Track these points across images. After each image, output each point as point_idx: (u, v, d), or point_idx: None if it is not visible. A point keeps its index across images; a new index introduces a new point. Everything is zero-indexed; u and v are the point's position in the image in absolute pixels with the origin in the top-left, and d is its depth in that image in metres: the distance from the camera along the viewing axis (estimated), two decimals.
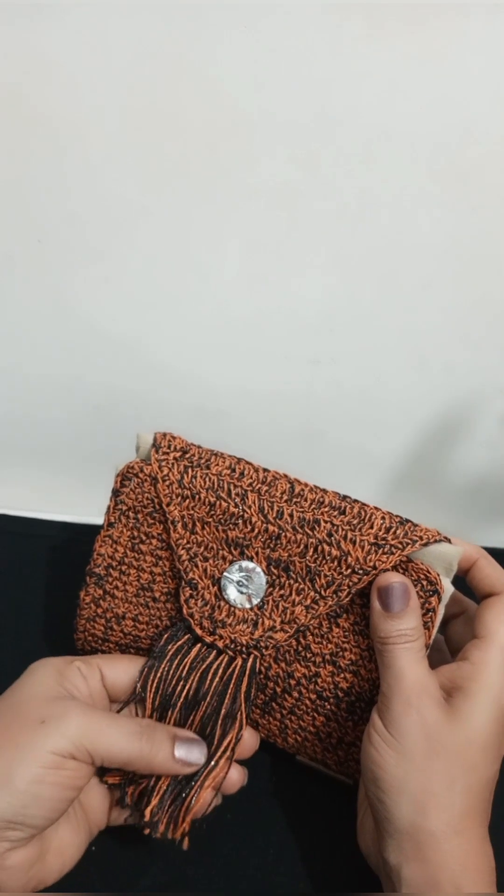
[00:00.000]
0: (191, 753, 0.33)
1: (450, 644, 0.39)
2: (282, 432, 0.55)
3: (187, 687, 0.35)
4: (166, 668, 0.36)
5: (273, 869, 0.37)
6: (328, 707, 0.36)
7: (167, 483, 0.37)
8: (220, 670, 0.35)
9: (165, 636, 0.37)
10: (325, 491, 0.36)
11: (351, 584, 0.34)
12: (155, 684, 0.35)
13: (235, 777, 0.35)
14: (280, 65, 0.39)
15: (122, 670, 0.36)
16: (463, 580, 0.37)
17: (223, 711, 0.35)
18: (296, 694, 0.36)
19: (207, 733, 0.34)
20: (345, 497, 0.36)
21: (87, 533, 0.54)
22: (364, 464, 0.57)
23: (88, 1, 0.37)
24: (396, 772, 0.31)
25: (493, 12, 0.37)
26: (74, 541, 0.52)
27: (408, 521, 0.35)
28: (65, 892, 0.33)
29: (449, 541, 0.35)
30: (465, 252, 0.45)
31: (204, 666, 0.36)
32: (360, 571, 0.34)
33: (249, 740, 0.36)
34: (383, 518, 0.35)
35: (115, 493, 0.39)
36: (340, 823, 0.37)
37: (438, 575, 0.34)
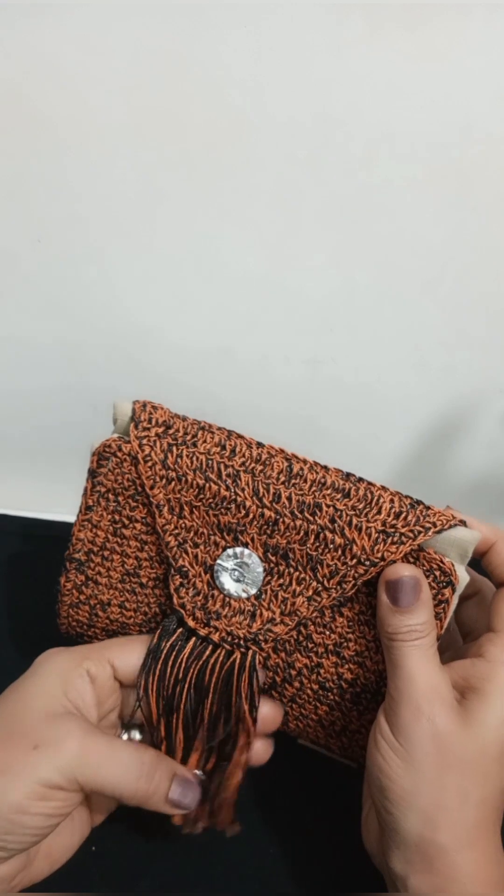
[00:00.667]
0: (185, 797, 0.31)
1: (461, 627, 0.37)
2: (282, 432, 0.55)
3: (186, 687, 0.33)
4: (163, 669, 0.33)
5: (273, 869, 0.37)
6: (331, 697, 0.34)
7: (149, 464, 0.34)
8: (218, 667, 0.33)
9: (158, 632, 0.34)
10: (327, 469, 0.33)
11: (357, 575, 0.31)
12: (155, 687, 0.33)
13: (262, 751, 0.34)
14: (280, 65, 0.39)
15: (136, 656, 0.34)
16: (478, 560, 0.35)
17: (232, 711, 0.33)
18: (297, 684, 0.34)
19: (218, 733, 0.33)
20: (349, 476, 0.33)
21: None
22: (364, 463, 0.57)
23: (89, 1, 0.37)
24: (405, 783, 0.29)
25: (493, 12, 0.37)
26: None
27: (419, 502, 0.32)
28: (65, 892, 0.33)
29: (465, 523, 0.32)
30: (465, 252, 0.45)
31: (200, 663, 0.33)
32: (367, 562, 0.31)
33: (270, 713, 0.34)
34: (392, 501, 0.31)
35: (92, 473, 0.35)
36: (342, 823, 0.37)
37: (453, 564, 0.31)
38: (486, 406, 0.52)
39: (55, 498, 0.59)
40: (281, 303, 0.48)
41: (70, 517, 0.56)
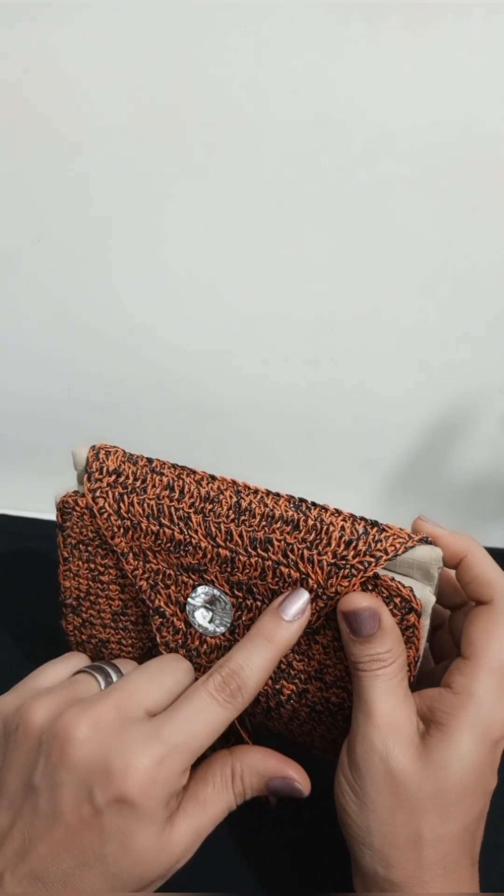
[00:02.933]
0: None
1: (434, 654, 0.36)
2: (282, 432, 0.55)
3: None
4: None
5: (273, 869, 0.37)
6: (325, 718, 0.34)
7: (105, 515, 0.34)
8: None
9: None
10: (277, 499, 0.32)
11: (317, 608, 0.31)
12: None
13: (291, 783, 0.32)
14: (280, 65, 0.39)
15: None
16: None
17: (227, 738, 0.33)
18: (289, 707, 0.34)
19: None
20: (299, 504, 0.32)
21: None
22: (364, 463, 0.57)
23: (89, 1, 0.37)
24: (359, 821, 0.29)
25: (493, 12, 0.37)
26: None
27: (374, 525, 0.30)
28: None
29: (426, 541, 0.30)
30: (465, 252, 0.45)
31: None
32: (325, 597, 0.30)
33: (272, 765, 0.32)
34: (342, 529, 0.30)
35: (60, 528, 0.36)
36: None
37: (411, 589, 0.30)
38: (486, 406, 0.52)
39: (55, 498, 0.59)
40: (281, 303, 0.48)
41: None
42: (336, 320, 0.49)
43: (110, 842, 0.26)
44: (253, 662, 0.30)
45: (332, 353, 0.50)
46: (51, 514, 0.56)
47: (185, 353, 0.51)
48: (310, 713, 0.34)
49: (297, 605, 0.31)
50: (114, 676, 0.32)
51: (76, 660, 0.34)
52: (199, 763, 0.30)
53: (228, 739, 0.35)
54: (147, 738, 0.27)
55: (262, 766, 0.31)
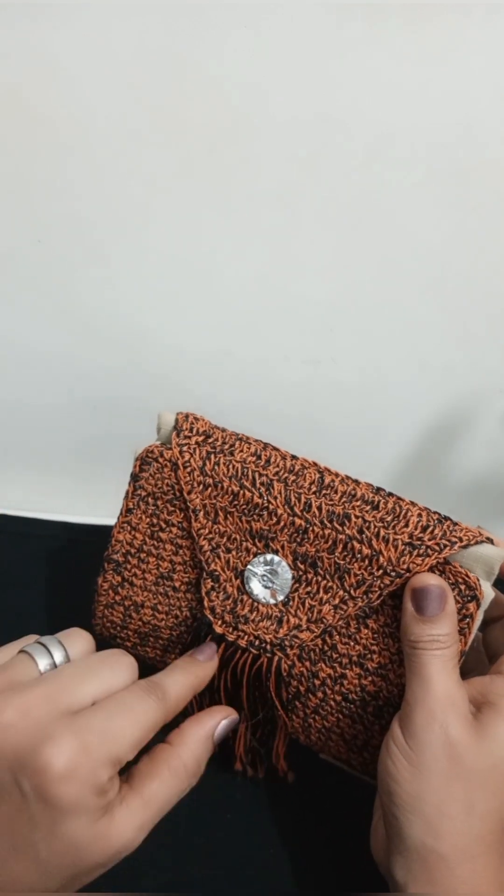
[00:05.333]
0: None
1: (488, 650, 0.37)
2: (282, 432, 0.55)
3: (222, 692, 0.35)
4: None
5: (273, 869, 0.37)
6: (354, 709, 0.35)
7: (188, 470, 0.35)
8: (247, 669, 0.34)
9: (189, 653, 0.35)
10: (357, 482, 0.34)
11: (383, 585, 0.32)
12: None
13: None
14: (281, 65, 0.39)
15: None
16: None
17: (266, 704, 0.34)
18: (320, 694, 0.35)
19: (257, 715, 0.35)
20: (379, 490, 0.34)
21: (87, 533, 0.54)
22: (364, 464, 0.57)
23: (90, 1, 0.37)
24: (412, 788, 0.29)
25: (493, 12, 0.37)
26: (74, 541, 0.52)
27: (447, 518, 0.32)
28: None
29: (492, 541, 0.32)
30: (466, 252, 0.45)
31: (229, 670, 0.35)
32: (393, 573, 0.32)
33: None
34: (420, 515, 0.32)
35: (134, 477, 0.37)
36: (343, 824, 0.37)
37: (478, 579, 0.32)
38: (486, 406, 0.52)
39: (55, 498, 0.59)
40: (281, 303, 0.48)
41: (69, 517, 0.56)
42: (336, 320, 0.49)
43: (38, 829, 0.26)
44: (176, 679, 0.31)
45: (332, 353, 0.50)
46: (51, 515, 0.56)
47: (186, 354, 0.51)
48: (340, 702, 0.35)
49: (206, 652, 0.34)
50: (57, 655, 0.31)
51: (27, 640, 0.34)
52: (142, 756, 0.30)
53: (256, 715, 0.36)
54: (70, 728, 0.27)
55: (201, 732, 0.32)
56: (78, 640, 0.32)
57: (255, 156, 0.42)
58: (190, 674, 0.32)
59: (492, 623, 0.37)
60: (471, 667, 0.34)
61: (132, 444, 0.40)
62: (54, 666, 0.31)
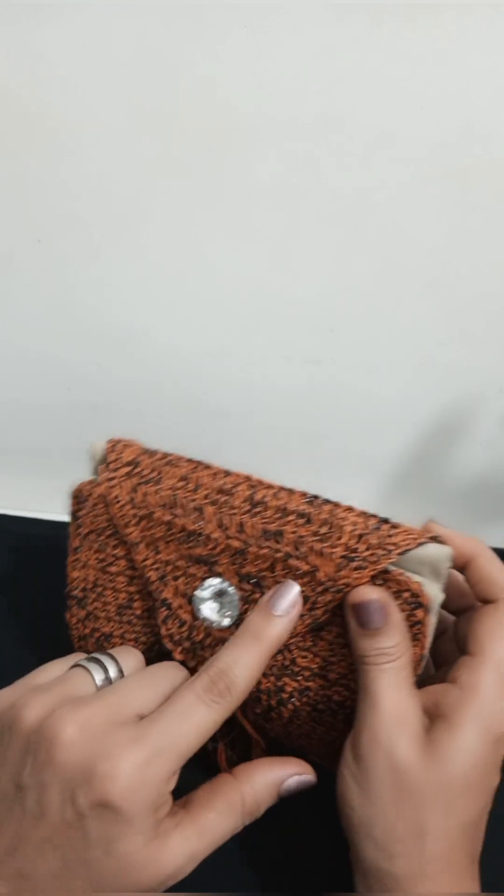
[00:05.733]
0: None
1: (436, 658, 0.36)
2: (282, 432, 0.55)
3: None
4: None
5: (273, 870, 0.37)
6: (325, 718, 0.34)
7: (119, 504, 0.35)
8: None
9: None
10: (291, 494, 0.33)
11: (325, 601, 0.31)
12: None
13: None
14: (280, 64, 0.39)
15: None
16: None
17: (235, 732, 0.33)
18: (290, 706, 0.34)
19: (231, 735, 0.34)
20: (313, 500, 0.33)
21: None
22: (364, 464, 0.57)
23: (89, 1, 0.37)
24: (363, 813, 0.29)
25: (494, 12, 0.37)
26: None
27: (385, 521, 0.31)
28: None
29: (437, 539, 0.31)
30: (465, 251, 0.45)
31: None
32: (333, 589, 0.31)
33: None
34: (354, 524, 0.31)
35: (73, 516, 0.37)
36: (341, 824, 0.37)
37: (420, 584, 0.30)
38: (486, 406, 0.52)
39: (55, 498, 0.59)
40: (281, 303, 0.48)
41: (68, 517, 0.56)
42: (336, 320, 0.49)
43: (94, 846, 0.26)
44: (242, 661, 0.29)
45: (332, 353, 0.50)
46: (51, 514, 0.56)
47: (185, 354, 0.51)
48: (311, 712, 0.34)
49: (288, 599, 0.31)
50: (111, 669, 0.31)
51: (76, 657, 0.34)
52: (203, 784, 0.30)
53: (231, 731, 0.35)
54: (132, 741, 0.27)
55: (270, 777, 0.31)
56: (129, 656, 0.33)
57: (254, 156, 0.42)
58: (260, 646, 0.30)
59: (438, 637, 0.35)
60: (421, 680, 0.33)
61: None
62: (109, 681, 0.31)
